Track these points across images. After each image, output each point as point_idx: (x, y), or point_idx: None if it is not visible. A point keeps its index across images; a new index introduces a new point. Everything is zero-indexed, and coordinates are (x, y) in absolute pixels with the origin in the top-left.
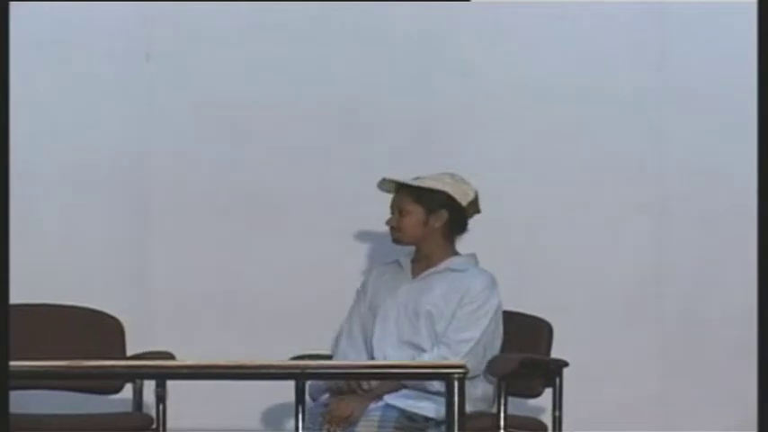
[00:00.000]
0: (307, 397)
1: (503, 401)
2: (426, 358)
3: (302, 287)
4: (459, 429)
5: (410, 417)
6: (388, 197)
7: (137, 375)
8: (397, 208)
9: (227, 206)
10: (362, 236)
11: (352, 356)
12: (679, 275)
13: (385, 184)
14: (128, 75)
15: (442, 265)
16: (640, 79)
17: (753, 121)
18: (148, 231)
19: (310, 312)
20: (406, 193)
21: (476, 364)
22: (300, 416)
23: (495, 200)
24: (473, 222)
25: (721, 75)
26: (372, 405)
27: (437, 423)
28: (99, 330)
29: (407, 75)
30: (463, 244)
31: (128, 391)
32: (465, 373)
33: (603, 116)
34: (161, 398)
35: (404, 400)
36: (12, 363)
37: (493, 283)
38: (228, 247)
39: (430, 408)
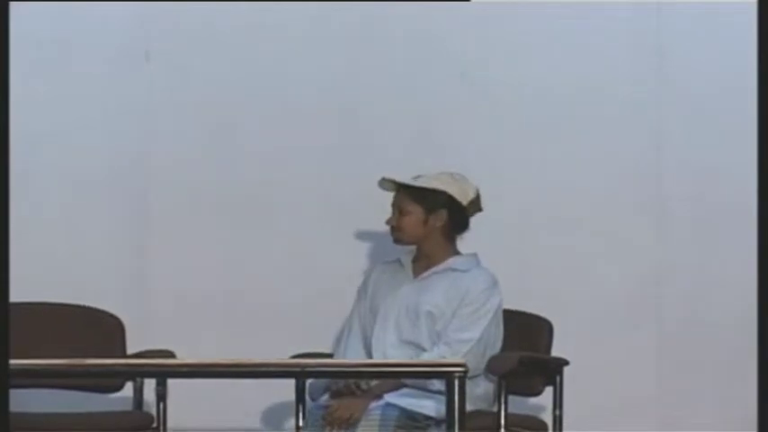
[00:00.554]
0: (306, 396)
1: (503, 400)
2: (426, 358)
3: (302, 286)
4: (459, 428)
5: (411, 415)
6: (389, 196)
7: (137, 374)
8: (397, 207)
9: (227, 205)
10: (363, 235)
11: (353, 356)
12: (679, 275)
13: (385, 184)
14: (127, 74)
15: (443, 265)
16: (640, 79)
17: (752, 121)
18: (148, 231)
19: (310, 311)
20: (405, 193)
21: (476, 364)
22: (300, 415)
23: (496, 199)
24: (474, 221)
25: (721, 74)
26: (373, 404)
27: (438, 422)
28: (99, 329)
29: (407, 74)
30: (464, 243)
31: (128, 389)
32: (465, 372)
33: (603, 116)
34: (161, 396)
35: (404, 399)
36: (12, 361)
37: (494, 283)
38: (228, 247)
39: (430, 406)
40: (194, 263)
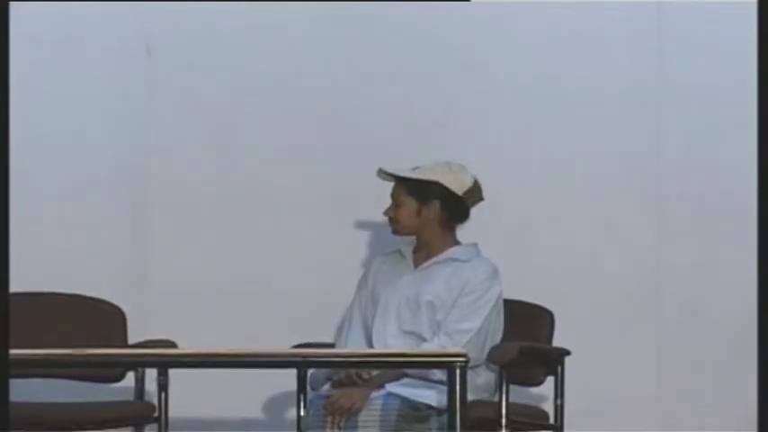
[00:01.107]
0: (308, 386)
1: (504, 390)
2: (427, 348)
3: (304, 276)
4: (460, 418)
5: (412, 405)
6: (389, 187)
7: (139, 364)
8: (393, 199)
9: (227, 197)
10: (363, 226)
11: (354, 346)
12: (678, 271)
13: (381, 175)
14: (128, 70)
15: (444, 255)
16: (640, 77)
17: (752, 118)
18: (149, 222)
19: (312, 301)
20: (400, 185)
21: (476, 354)
22: (302, 404)
23: (497, 194)
24: (475, 213)
25: (720, 73)
26: (374, 394)
27: (439, 411)
28: (100, 319)
29: (408, 68)
30: (464, 233)
31: (129, 379)
32: (466, 362)
33: (603, 113)
34: (163, 386)
35: (406, 389)
36: (13, 351)
37: (494, 273)
38: (230, 237)
39: (432, 396)
40: (196, 254)
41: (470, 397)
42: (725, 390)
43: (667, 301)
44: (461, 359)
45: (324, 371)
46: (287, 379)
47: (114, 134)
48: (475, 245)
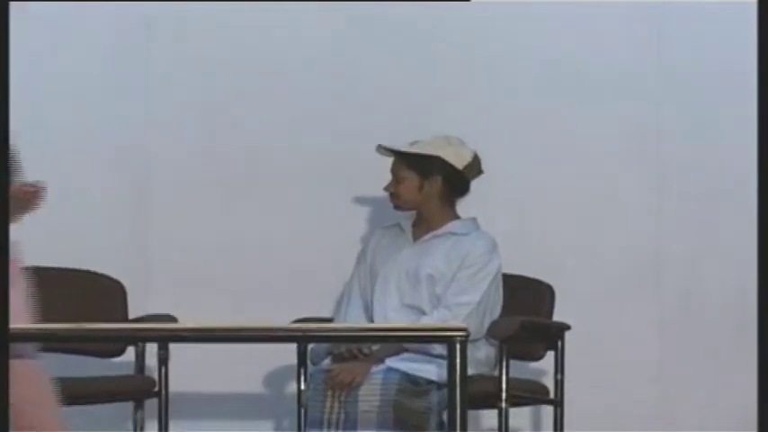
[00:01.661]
0: (308, 361)
1: (504, 364)
2: (426, 321)
3: (304, 251)
4: (460, 392)
5: (412, 379)
6: (389, 162)
7: (139, 338)
8: (393, 174)
9: (227, 172)
10: (362, 201)
11: (354, 320)
12: (678, 245)
13: (381, 151)
14: (127, 43)
15: (443, 229)
16: (640, 49)
17: (752, 94)
18: (150, 197)
19: (312, 276)
20: (400, 160)
21: (476, 327)
22: (302, 379)
23: (497, 167)
24: (474, 185)
25: (720, 40)
26: (374, 368)
27: (439, 386)
28: (101, 293)
29: (407, 41)
30: (464, 207)
31: (130, 354)
32: (467, 337)
33: (603, 86)
34: (163, 361)
35: (406, 363)
36: (13, 326)
37: (493, 246)
38: (230, 213)
39: (432, 370)
40: (196, 229)
41: (470, 371)
42: (724, 358)
43: (667, 275)
44: (461, 333)
45: (324, 345)
46: (287, 353)
47: (115, 108)
48: (474, 219)
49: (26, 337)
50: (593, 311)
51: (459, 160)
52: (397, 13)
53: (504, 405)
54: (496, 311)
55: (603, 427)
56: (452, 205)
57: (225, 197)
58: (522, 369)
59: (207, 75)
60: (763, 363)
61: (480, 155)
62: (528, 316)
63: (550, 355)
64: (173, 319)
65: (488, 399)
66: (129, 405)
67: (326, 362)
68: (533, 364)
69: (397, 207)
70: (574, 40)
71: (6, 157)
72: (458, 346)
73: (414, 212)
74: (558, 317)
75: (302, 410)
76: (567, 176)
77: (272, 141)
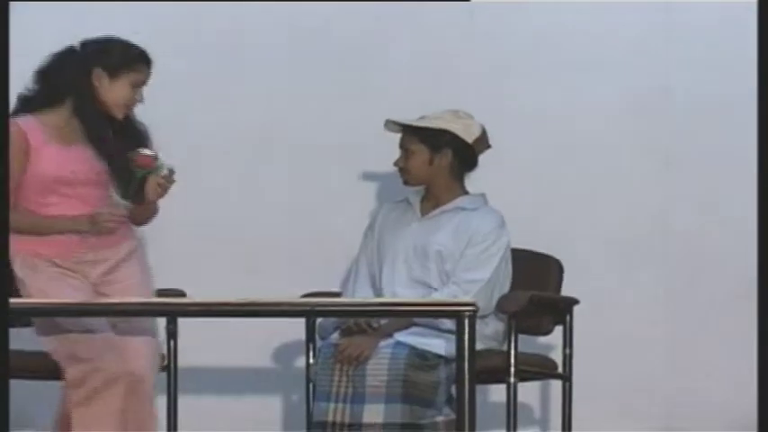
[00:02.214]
0: (316, 335)
1: (513, 339)
2: (437, 298)
3: (312, 226)
4: (469, 366)
5: (421, 354)
6: (397, 136)
7: (148, 312)
8: (403, 149)
9: (234, 146)
10: (370, 176)
11: (362, 295)
12: (685, 218)
13: (390, 125)
14: (138, 15)
15: (452, 204)
16: (648, 21)
17: (756, 61)
18: None
19: (320, 251)
20: (410, 134)
21: (486, 304)
22: (311, 353)
23: (505, 141)
24: (482, 159)
25: (725, 12)
26: (383, 342)
27: (447, 360)
28: None
29: (415, 15)
30: (471, 182)
31: None
32: (475, 311)
33: (611, 58)
34: (172, 335)
35: (414, 338)
36: (22, 300)
37: (501, 223)
38: (237, 188)
39: (440, 345)
40: (204, 204)
41: (479, 346)
42: (731, 325)
43: (675, 248)
44: (470, 308)
45: (332, 319)
46: (296, 328)
47: None
48: (482, 195)
49: (34, 311)
50: (601, 285)
51: (468, 134)
52: None
53: (512, 380)
54: (506, 287)
55: (612, 401)
56: (461, 180)
57: (232, 172)
58: (530, 343)
59: (212, 48)
60: (763, 362)
61: (487, 128)
62: (536, 290)
63: (559, 329)
64: (182, 293)
65: (497, 373)
66: None
67: (335, 336)
68: (542, 339)
69: (406, 182)
70: (582, 12)
71: (6, 156)
72: (466, 321)
73: (422, 188)
74: (566, 291)
75: (310, 384)
76: (574, 150)
77: (280, 117)
